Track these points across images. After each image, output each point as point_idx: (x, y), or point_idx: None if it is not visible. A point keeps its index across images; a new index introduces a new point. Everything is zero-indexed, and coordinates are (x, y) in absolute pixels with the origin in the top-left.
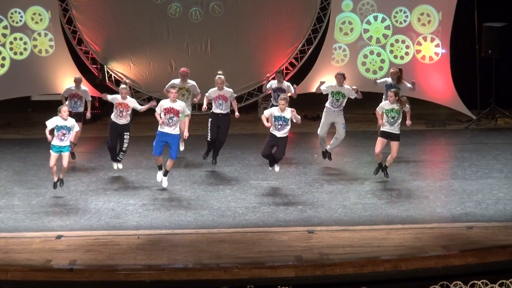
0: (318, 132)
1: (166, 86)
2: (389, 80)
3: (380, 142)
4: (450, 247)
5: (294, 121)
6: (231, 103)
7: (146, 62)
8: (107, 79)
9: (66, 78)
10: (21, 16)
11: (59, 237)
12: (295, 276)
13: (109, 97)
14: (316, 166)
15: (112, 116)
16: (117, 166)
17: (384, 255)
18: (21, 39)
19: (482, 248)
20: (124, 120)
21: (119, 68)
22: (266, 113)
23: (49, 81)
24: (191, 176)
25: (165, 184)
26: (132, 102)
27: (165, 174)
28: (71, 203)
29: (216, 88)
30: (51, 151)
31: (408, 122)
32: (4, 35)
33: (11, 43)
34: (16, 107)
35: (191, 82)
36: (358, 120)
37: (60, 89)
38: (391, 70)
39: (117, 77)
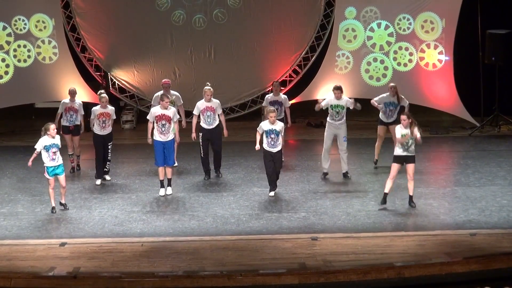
0: (324, 146)
1: (152, 101)
2: (385, 96)
3: (395, 168)
4: (453, 254)
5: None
6: (218, 116)
7: (149, 69)
8: (110, 86)
9: (69, 86)
10: (25, 24)
11: (63, 244)
12: (298, 283)
13: (92, 117)
14: (319, 173)
15: (95, 129)
16: (100, 182)
17: (387, 262)
18: (25, 46)
19: (486, 255)
20: (107, 130)
21: (122, 76)
22: (259, 129)
23: (52, 89)
24: (195, 184)
25: (169, 191)
26: (112, 110)
27: (169, 184)
28: (75, 210)
29: (203, 100)
30: (47, 176)
31: (417, 135)
32: (8, 43)
33: (15, 50)
34: (20, 115)
35: (174, 94)
36: (361, 127)
37: (64, 96)
38: (391, 84)
39: (120, 85)
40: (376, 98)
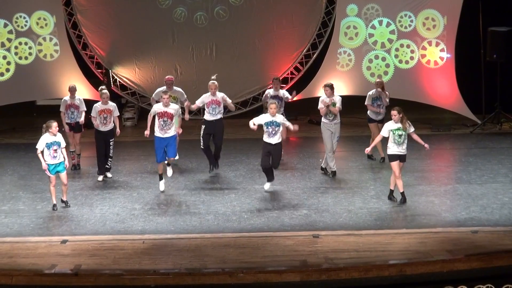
0: (326, 147)
1: (153, 95)
2: (373, 92)
3: (395, 165)
4: (455, 252)
5: (291, 129)
6: (224, 107)
7: (151, 66)
8: (112, 83)
9: (71, 83)
10: (26, 21)
11: (64, 241)
12: (300, 280)
13: (93, 114)
14: (321, 170)
15: (97, 125)
16: (102, 178)
17: (389, 260)
18: (26, 43)
19: (487, 253)
20: (108, 127)
21: (124, 73)
22: (256, 120)
23: (54, 86)
24: (196, 181)
25: (170, 173)
26: (113, 107)
27: (168, 165)
28: (76, 208)
29: (209, 93)
30: (48, 173)
31: (426, 145)
32: (9, 40)
33: (16, 47)
34: (21, 112)
35: (177, 89)
36: (362, 125)
37: (65, 93)
38: (377, 80)
39: (122, 82)
40: (368, 102)
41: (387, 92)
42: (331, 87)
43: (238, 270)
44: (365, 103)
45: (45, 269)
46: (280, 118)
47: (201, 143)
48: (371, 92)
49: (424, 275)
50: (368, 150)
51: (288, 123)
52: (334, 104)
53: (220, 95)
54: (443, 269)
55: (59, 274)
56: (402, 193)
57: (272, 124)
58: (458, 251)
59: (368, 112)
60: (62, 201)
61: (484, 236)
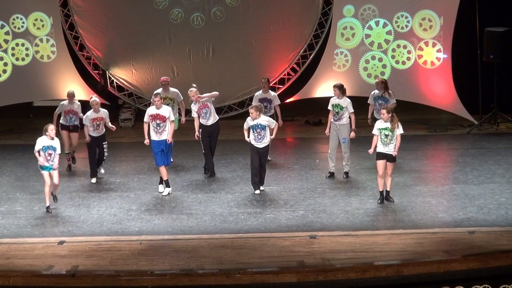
0: (329, 147)
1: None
2: (376, 91)
3: (380, 164)
4: (452, 252)
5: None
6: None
7: (148, 67)
8: (109, 84)
9: (68, 84)
10: (23, 22)
11: (61, 242)
12: (297, 281)
13: (86, 123)
14: (318, 171)
15: (89, 131)
16: (95, 179)
17: (386, 260)
18: (23, 45)
19: (484, 253)
20: (100, 132)
21: (121, 74)
22: (245, 125)
23: (51, 87)
24: (193, 182)
25: (166, 192)
26: (105, 114)
27: (167, 185)
28: (73, 209)
29: (193, 102)
30: (42, 171)
31: (395, 152)
32: (6, 41)
33: (13, 49)
34: (18, 113)
35: (173, 90)
36: (360, 125)
37: (62, 95)
38: (376, 80)
39: (119, 83)
40: (370, 101)
41: (390, 92)
42: (339, 88)
43: (235, 271)
44: (368, 101)
45: (42, 270)
46: (264, 120)
47: (202, 148)
48: (374, 91)
49: (421, 276)
50: (371, 151)
51: (273, 125)
52: (341, 108)
53: (204, 98)
54: (440, 270)
55: (56, 275)
56: (381, 193)
57: (257, 127)
58: (455, 252)
59: (374, 112)
60: (51, 194)
61: (481, 237)
